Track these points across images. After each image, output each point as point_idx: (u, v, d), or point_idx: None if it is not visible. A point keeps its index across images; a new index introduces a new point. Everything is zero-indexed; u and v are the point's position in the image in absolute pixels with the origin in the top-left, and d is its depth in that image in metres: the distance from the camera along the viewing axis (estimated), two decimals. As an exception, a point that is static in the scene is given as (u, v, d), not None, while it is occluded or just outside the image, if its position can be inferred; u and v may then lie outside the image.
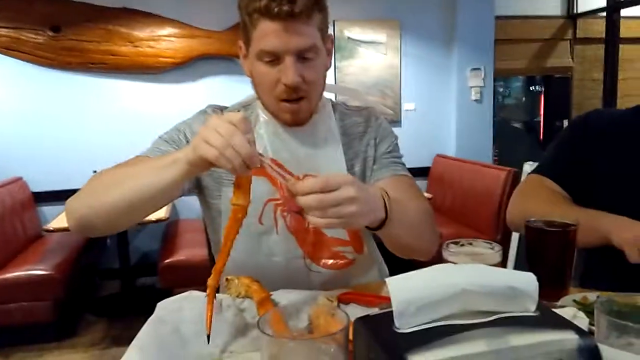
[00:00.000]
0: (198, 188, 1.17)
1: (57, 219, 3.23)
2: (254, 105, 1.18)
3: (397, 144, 1.24)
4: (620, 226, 1.08)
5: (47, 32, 3.84)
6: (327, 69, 1.13)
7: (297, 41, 1.00)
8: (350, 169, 1.16)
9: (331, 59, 1.14)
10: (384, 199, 0.89)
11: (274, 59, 1.01)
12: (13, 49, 3.81)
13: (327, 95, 1.23)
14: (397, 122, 4.46)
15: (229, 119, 0.80)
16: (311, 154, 1.12)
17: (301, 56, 1.02)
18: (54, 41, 3.86)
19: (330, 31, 1.13)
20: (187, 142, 1.09)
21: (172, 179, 0.87)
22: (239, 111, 1.16)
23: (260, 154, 0.83)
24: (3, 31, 3.78)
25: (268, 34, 0.99)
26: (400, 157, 1.23)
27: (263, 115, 1.14)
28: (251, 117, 1.15)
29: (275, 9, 0.96)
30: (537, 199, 1.27)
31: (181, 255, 3.18)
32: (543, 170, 1.34)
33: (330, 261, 1.12)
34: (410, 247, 1.04)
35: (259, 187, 1.06)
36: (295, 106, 1.07)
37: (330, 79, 4.15)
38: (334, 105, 1.23)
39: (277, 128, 1.13)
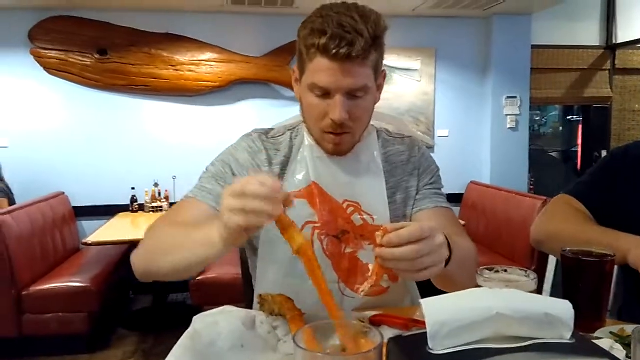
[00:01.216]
0: None
1: (95, 233, 3.33)
2: (300, 128, 1.20)
3: (439, 175, 1.24)
4: (638, 245, 1.06)
5: (94, 55, 4.03)
6: (376, 103, 1.14)
7: (349, 82, 1.01)
8: (391, 197, 1.16)
9: (381, 92, 1.14)
10: (447, 240, 0.87)
11: (325, 93, 1.03)
12: (62, 70, 4.01)
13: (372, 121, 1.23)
14: (430, 148, 4.46)
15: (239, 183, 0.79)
16: (353, 181, 1.13)
17: (351, 94, 1.03)
18: (100, 64, 4.04)
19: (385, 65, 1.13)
20: (234, 174, 1.12)
21: (215, 256, 0.89)
22: (283, 134, 1.19)
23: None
24: (53, 53, 3.98)
25: (322, 70, 1.00)
26: (441, 188, 1.23)
27: (308, 139, 1.16)
28: (296, 140, 1.17)
29: (333, 50, 0.97)
30: (561, 217, 1.27)
31: (213, 272, 3.22)
32: (574, 192, 1.33)
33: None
34: (456, 283, 0.99)
35: (298, 209, 1.06)
36: (338, 139, 1.08)
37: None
38: (378, 132, 1.23)
39: (321, 153, 1.14)
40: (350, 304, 1.12)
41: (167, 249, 0.98)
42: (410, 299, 1.21)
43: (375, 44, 1.02)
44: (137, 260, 1.04)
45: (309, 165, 1.13)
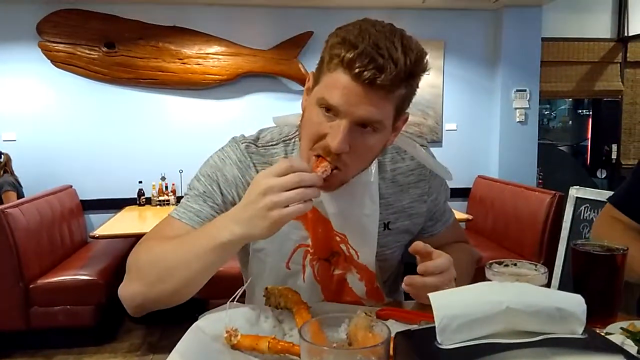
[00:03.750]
0: None
1: (103, 226, 3.35)
2: (296, 141, 1.06)
3: (449, 192, 1.19)
4: None
5: (101, 48, 4.04)
6: (386, 146, 1.00)
7: (363, 111, 0.85)
8: (393, 223, 1.09)
9: (397, 136, 1.00)
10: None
11: (331, 114, 0.87)
12: (70, 64, 4.02)
13: None
14: (438, 141, 4.43)
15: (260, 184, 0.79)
16: (342, 214, 1.04)
17: (361, 123, 0.88)
18: (108, 57, 4.05)
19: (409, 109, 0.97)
20: (222, 193, 1.01)
21: (220, 261, 0.86)
22: (277, 144, 1.06)
23: None
24: (60, 47, 3.99)
25: (338, 87, 0.85)
26: (448, 198, 1.21)
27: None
28: (293, 153, 1.05)
29: (357, 69, 0.82)
30: (600, 230, 1.28)
31: (219, 267, 3.22)
32: (613, 201, 1.34)
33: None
34: None
35: (290, 230, 1.03)
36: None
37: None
38: (384, 149, 1.05)
39: None
40: None
41: (167, 272, 0.88)
42: None
43: (408, 81, 0.87)
44: (129, 291, 0.94)
45: None
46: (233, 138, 1.08)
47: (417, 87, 0.92)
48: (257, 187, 0.79)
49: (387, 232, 1.08)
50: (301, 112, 0.98)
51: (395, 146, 1.10)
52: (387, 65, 0.82)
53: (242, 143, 1.05)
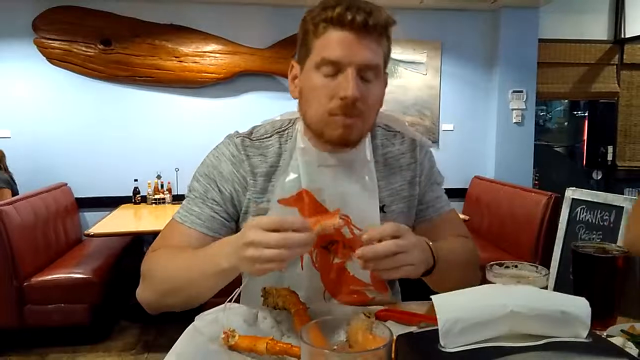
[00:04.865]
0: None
1: (98, 224, 3.33)
2: (290, 131, 1.09)
3: (440, 174, 1.19)
4: None
5: (98, 45, 4.01)
6: (382, 101, 1.05)
7: (364, 55, 0.93)
8: (388, 206, 1.10)
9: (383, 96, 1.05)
10: (429, 246, 0.92)
11: (334, 72, 0.94)
12: (65, 61, 3.99)
13: None
14: (434, 142, 4.43)
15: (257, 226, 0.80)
16: (344, 193, 1.05)
17: (362, 75, 0.95)
18: (104, 54, 4.02)
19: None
20: (219, 190, 1.06)
21: (225, 281, 0.90)
22: (270, 136, 1.09)
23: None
24: (56, 43, 3.96)
25: (334, 42, 0.93)
26: (441, 185, 1.19)
27: (301, 143, 1.06)
28: (286, 145, 1.08)
29: (349, 17, 0.91)
30: (633, 219, 1.23)
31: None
32: None
33: (349, 297, 1.08)
34: (452, 288, 1.00)
35: (287, 217, 1.04)
36: (350, 121, 0.96)
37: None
38: (374, 132, 1.13)
39: (313, 157, 1.05)
40: None
41: (177, 288, 0.95)
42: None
43: (387, 31, 0.97)
44: (145, 297, 1.02)
45: (300, 170, 1.04)
46: (227, 135, 1.12)
47: (391, 45, 1.02)
48: (244, 236, 0.80)
49: (383, 215, 1.08)
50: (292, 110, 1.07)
51: (384, 132, 1.14)
52: (372, 9, 0.93)
53: (236, 138, 1.09)
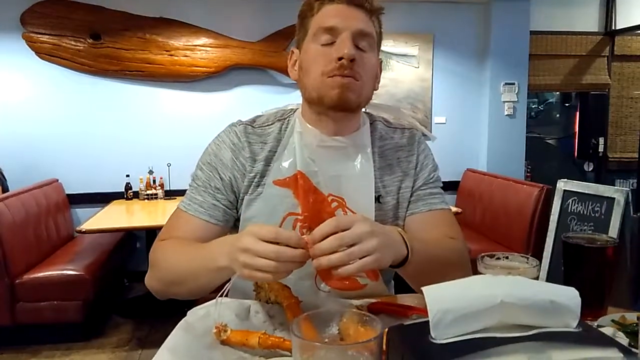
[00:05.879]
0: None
1: (90, 220, 3.31)
2: (290, 119, 1.13)
3: (437, 170, 1.18)
4: None
5: (87, 39, 3.97)
6: (378, 78, 1.11)
7: (358, 22, 1.01)
8: (383, 197, 1.10)
9: (379, 81, 1.12)
10: (401, 235, 0.89)
11: (331, 40, 1.01)
12: (54, 55, 3.95)
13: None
14: (427, 135, 4.44)
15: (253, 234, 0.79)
16: (340, 176, 1.07)
17: (357, 43, 1.01)
18: (93, 48, 3.98)
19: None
20: (220, 177, 1.09)
21: (225, 276, 0.90)
22: (272, 124, 1.12)
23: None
24: (45, 38, 3.91)
25: (330, 13, 1.02)
26: (439, 186, 1.18)
27: (298, 128, 1.09)
28: (285, 131, 1.11)
29: None
30: None
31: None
32: None
33: (340, 283, 1.08)
34: (432, 281, 0.98)
35: (280, 198, 1.06)
36: (347, 80, 0.99)
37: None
38: (373, 122, 1.16)
39: (312, 138, 1.08)
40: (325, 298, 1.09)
41: (181, 280, 0.99)
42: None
43: (377, 16, 1.07)
44: (152, 285, 1.06)
45: (296, 153, 1.07)
46: (230, 123, 1.15)
47: (382, 30, 1.09)
48: (240, 241, 0.80)
49: (378, 206, 1.09)
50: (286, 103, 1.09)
51: (384, 126, 1.17)
52: None
53: (239, 125, 1.13)
